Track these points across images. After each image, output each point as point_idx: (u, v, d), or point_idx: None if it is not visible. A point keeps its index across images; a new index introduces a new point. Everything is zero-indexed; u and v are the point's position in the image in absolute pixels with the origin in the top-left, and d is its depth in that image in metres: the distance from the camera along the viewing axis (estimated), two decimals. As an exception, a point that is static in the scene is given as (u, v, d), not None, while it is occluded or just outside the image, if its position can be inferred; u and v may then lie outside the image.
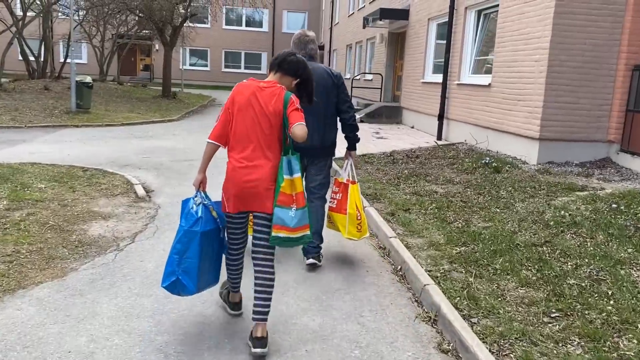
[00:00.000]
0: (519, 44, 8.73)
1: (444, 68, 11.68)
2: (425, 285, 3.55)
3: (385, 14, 15.31)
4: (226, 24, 37.33)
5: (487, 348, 2.82)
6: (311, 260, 4.07)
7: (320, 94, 3.73)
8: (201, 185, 3.10)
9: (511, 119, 8.86)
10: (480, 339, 2.90)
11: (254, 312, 2.89)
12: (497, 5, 9.72)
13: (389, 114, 15.73)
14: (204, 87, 33.26)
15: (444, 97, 11.73)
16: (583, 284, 3.66)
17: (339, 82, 4.12)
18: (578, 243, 4.51)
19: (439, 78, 12.54)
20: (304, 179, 3.55)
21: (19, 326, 2.99)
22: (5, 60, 28.09)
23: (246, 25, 37.77)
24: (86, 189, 5.98)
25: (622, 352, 2.80)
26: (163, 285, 2.95)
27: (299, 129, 2.80)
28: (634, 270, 3.91)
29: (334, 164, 5.48)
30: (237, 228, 3.06)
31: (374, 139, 11.75)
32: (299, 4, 37.43)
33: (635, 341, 2.93)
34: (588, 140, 8.22)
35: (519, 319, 3.17)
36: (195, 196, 3.05)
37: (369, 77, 19.86)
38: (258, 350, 2.80)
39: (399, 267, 4.14)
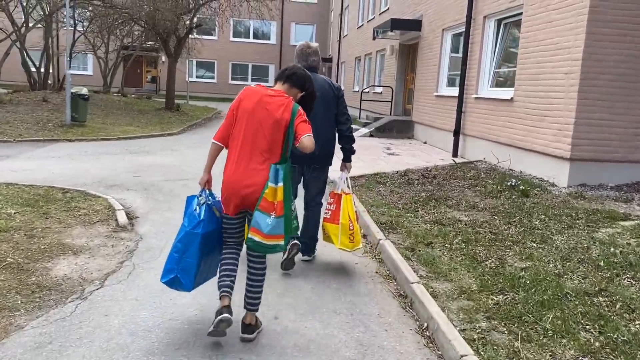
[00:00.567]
0: (545, 55, 7.98)
1: (460, 81, 10.94)
2: (462, 357, 2.77)
3: (396, 24, 14.65)
4: (233, 36, 36.92)
5: None
6: (306, 257, 4.46)
7: (320, 104, 3.76)
8: (207, 184, 3.18)
9: (537, 137, 8.08)
10: None
11: (246, 303, 3.05)
12: (520, 14, 8.99)
13: (400, 129, 14.99)
14: (211, 100, 32.73)
15: (460, 111, 10.98)
16: (663, 355, 2.86)
17: (339, 94, 4.25)
18: (641, 292, 3.71)
19: (454, 91, 11.81)
20: (302, 187, 3.92)
21: None
22: (9, 71, 27.72)
23: (254, 38, 37.34)
24: (62, 215, 5.25)
25: None
26: (162, 280, 3.07)
27: (307, 139, 2.89)
28: None
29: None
30: (234, 229, 3.10)
31: (385, 155, 11.00)
32: (307, 17, 36.98)
33: None
34: (624, 161, 7.42)
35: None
36: (200, 195, 3.11)
37: (379, 90, 19.17)
38: (246, 335, 3.00)
39: (425, 324, 3.36)
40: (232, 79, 37.21)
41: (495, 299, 3.63)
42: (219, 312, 2.88)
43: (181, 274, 2.99)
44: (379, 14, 19.77)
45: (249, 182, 2.92)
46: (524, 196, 6.75)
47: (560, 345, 3.00)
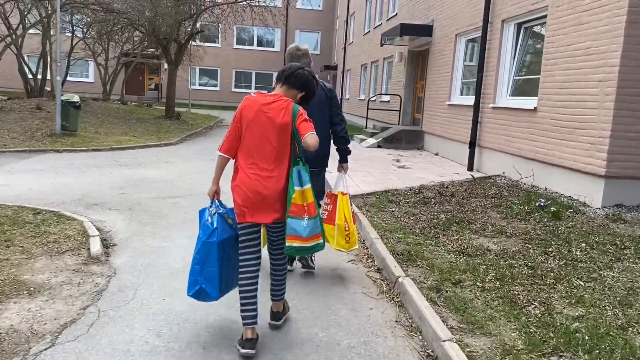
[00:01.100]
0: (575, 61, 7.23)
1: (476, 89, 10.20)
2: None
3: (405, 30, 13.95)
4: (237, 44, 36.40)
5: None
6: (306, 269, 4.38)
7: (315, 106, 3.85)
8: (215, 195, 3.18)
9: (565, 151, 7.32)
10: None
11: (272, 294, 3.19)
12: (545, 17, 8.26)
13: (409, 139, 14.24)
14: (213, 107, 32.14)
15: (476, 122, 10.23)
16: None
17: (332, 96, 4.27)
18: None
19: (468, 100, 11.07)
20: None
21: None
22: (7, 78, 27.19)
23: (257, 45, 36.79)
24: (27, 243, 4.52)
25: None
26: (189, 293, 3.10)
27: (310, 138, 2.89)
28: None
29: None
30: (249, 240, 3.08)
31: (395, 169, 10.24)
32: (312, 24, 36.42)
33: None
34: (667, 179, 6.65)
35: None
36: (210, 206, 3.12)
37: (386, 98, 18.46)
38: (273, 322, 3.19)
39: (466, 403, 2.59)
40: (236, 86, 36.63)
41: (550, 363, 2.86)
42: (243, 346, 2.92)
43: (205, 284, 3.04)
44: (387, 20, 19.10)
45: (261, 189, 2.94)
46: (555, 219, 5.97)
47: None
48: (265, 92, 3.20)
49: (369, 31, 22.74)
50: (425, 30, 13.84)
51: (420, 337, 3.32)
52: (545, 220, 5.91)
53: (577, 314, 3.49)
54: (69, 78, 36.01)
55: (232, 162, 3.09)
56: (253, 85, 36.58)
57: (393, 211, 6.22)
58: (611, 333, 3.17)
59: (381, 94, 18.97)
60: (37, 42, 21.40)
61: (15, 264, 4.04)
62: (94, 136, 12.33)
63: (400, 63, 16.61)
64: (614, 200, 6.59)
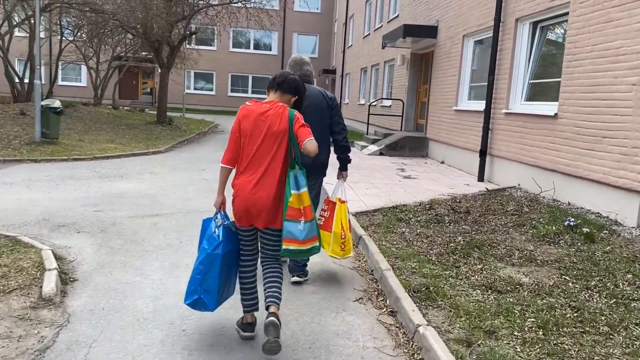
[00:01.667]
0: (603, 62, 6.51)
1: (487, 93, 9.47)
2: None
3: (409, 31, 13.22)
4: (233, 47, 35.66)
5: None
6: (295, 279, 4.18)
7: (314, 115, 3.98)
8: (221, 206, 3.19)
9: (592, 162, 6.58)
10: None
11: (267, 298, 3.02)
12: (566, 14, 7.54)
13: (413, 146, 13.51)
14: (209, 112, 31.37)
15: (487, 128, 9.49)
16: None
17: (333, 104, 4.24)
18: None
19: (478, 105, 10.34)
20: None
21: None
22: (-2, 82, 26.34)
23: (254, 48, 36.06)
24: (-34, 279, 3.74)
25: None
26: (186, 302, 3.09)
27: (309, 144, 2.96)
28: None
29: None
30: (247, 242, 3.19)
31: (401, 179, 9.49)
32: (310, 27, 35.72)
33: None
34: None
35: None
36: (216, 217, 3.14)
37: (387, 103, 17.73)
38: (272, 318, 2.89)
39: None
40: (232, 91, 35.89)
41: None
42: (244, 329, 3.16)
43: (204, 294, 3.06)
44: (387, 22, 18.40)
45: (258, 196, 3.01)
46: (589, 241, 5.22)
47: None
48: (263, 99, 3.26)
49: (368, 34, 22.04)
50: (430, 32, 13.13)
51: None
52: (578, 243, 5.16)
53: (650, 380, 2.73)
54: (61, 82, 35.63)
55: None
56: (250, 89, 35.85)
57: (403, 232, 5.45)
58: None
59: (383, 98, 18.23)
60: (26, 44, 20.65)
61: (-56, 310, 3.26)
62: (77, 144, 11.54)
63: (402, 66, 15.89)
64: (651, 218, 5.86)
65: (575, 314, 3.53)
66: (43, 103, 10.75)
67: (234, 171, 3.15)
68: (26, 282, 3.73)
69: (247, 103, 3.17)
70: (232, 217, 3.15)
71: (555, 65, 8.13)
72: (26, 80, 19.68)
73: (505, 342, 3.13)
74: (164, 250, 4.74)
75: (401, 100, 15.63)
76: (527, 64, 8.72)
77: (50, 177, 8.07)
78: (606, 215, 6.29)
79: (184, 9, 18.53)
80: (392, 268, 4.30)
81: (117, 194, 7.06)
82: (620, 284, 4.09)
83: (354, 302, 3.83)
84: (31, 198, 6.58)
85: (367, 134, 16.58)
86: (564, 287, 4.03)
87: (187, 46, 27.20)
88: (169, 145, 13.19)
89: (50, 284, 3.67)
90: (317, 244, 3.11)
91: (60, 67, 29.81)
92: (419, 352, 3.13)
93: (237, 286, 3.27)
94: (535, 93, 8.61)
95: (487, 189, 8.07)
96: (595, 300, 3.78)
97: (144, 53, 27.14)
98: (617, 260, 4.64)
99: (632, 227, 5.78)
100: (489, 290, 3.94)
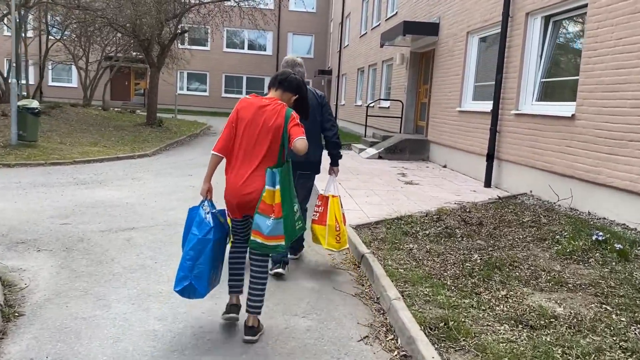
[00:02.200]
0: (629, 58, 5.89)
1: (494, 93, 8.85)
2: None
3: (409, 28, 12.60)
4: (227, 47, 34.96)
5: None
6: (278, 271, 4.18)
7: None
8: (208, 193, 3.19)
9: (615, 168, 5.96)
10: None
11: (248, 305, 3.13)
12: (582, 7, 6.93)
13: (414, 149, 12.87)
14: (202, 114, 30.67)
15: (494, 130, 8.87)
16: None
17: (323, 102, 4.40)
18: None
19: (483, 106, 9.73)
20: None
21: None
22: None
23: (249, 49, 35.37)
24: None
25: None
26: (176, 289, 3.06)
27: (299, 142, 3.01)
28: None
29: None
30: (242, 230, 3.27)
31: (402, 185, 8.85)
32: (305, 27, 35.08)
33: None
34: None
35: None
36: (203, 205, 3.14)
37: (386, 104, 17.10)
38: (248, 337, 3.06)
39: None
40: (226, 91, 35.17)
41: None
42: (227, 311, 3.26)
43: (195, 280, 3.03)
44: (385, 20, 17.79)
45: (250, 188, 3.06)
46: (622, 259, 4.59)
47: None
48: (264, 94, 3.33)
49: (365, 33, 21.42)
50: (431, 29, 12.51)
51: None
52: (612, 262, 4.52)
53: None
54: (51, 83, 34.84)
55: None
56: (244, 90, 35.15)
57: (411, 249, 4.80)
58: None
59: (381, 99, 17.61)
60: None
61: None
62: (57, 147, 10.83)
63: (401, 65, 15.27)
64: (686, 232, 5.25)
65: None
66: (20, 103, 10.04)
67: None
68: (-41, 319, 3.06)
69: (247, 96, 3.22)
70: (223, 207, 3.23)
71: (571, 63, 7.52)
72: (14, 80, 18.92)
73: (550, 400, 2.49)
74: (135, 274, 4.07)
75: (400, 101, 15.01)
76: (539, 62, 8.10)
77: (20, 184, 7.38)
78: (634, 227, 5.67)
79: (174, 6, 17.86)
80: (402, 296, 3.64)
81: (91, 204, 6.38)
82: (672, 315, 3.45)
83: (358, 343, 3.16)
84: (-6, 208, 5.90)
85: (364, 137, 15.95)
86: (608, 320, 3.39)
87: (180, 46, 26.57)
88: (157, 148, 12.50)
89: (-13, 321, 2.99)
90: (283, 243, 3.09)
91: (49, 67, 29.17)
92: (443, 415, 2.48)
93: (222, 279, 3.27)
94: (548, 93, 8.00)
95: (498, 196, 7.43)
96: (648, 338, 3.14)
97: (135, 53, 26.46)
98: (659, 282, 4.01)
99: (666, 242, 5.16)
100: (520, 325, 3.29)
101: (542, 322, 3.33)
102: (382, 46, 15.36)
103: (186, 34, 30.71)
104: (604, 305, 3.64)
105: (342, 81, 27.30)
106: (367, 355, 3.00)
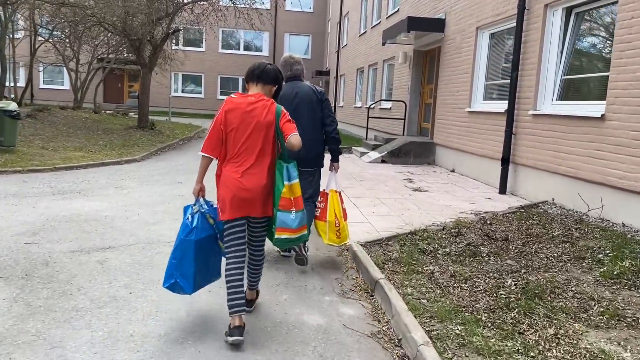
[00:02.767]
0: (671, 50, 5.21)
1: (509, 92, 8.17)
2: None
3: (413, 24, 11.92)
4: (222, 48, 34.25)
5: None
6: (285, 254, 4.60)
7: (306, 109, 4.35)
8: (200, 192, 3.20)
9: (658, 174, 5.28)
10: None
11: (249, 282, 3.34)
12: (612, -5, 6.26)
13: (419, 152, 12.19)
14: (196, 116, 29.96)
15: (509, 132, 8.20)
16: None
17: (323, 98, 4.47)
18: None
19: (496, 106, 9.06)
20: None
21: None
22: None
23: (244, 49, 34.67)
24: None
25: None
26: (165, 285, 3.16)
27: (294, 138, 3.06)
28: None
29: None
30: (236, 235, 3.12)
31: (410, 192, 8.16)
32: (302, 27, 34.41)
33: None
34: None
35: None
36: (194, 204, 3.16)
37: (387, 105, 16.42)
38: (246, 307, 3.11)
39: None
40: (221, 93, 34.41)
41: None
42: (231, 334, 2.95)
43: (180, 278, 3.09)
44: (386, 18, 17.12)
45: (248, 186, 3.05)
46: (680, 283, 3.91)
47: None
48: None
49: (365, 32, 20.75)
50: (436, 25, 11.84)
51: None
52: (668, 287, 3.84)
53: None
54: (42, 85, 34.05)
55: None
56: (240, 91, 34.37)
57: (432, 272, 4.10)
58: None
59: (383, 100, 16.92)
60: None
61: None
62: (39, 152, 10.09)
63: (404, 64, 14.60)
64: None
65: None
66: (-3, 105, 9.31)
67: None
68: None
69: (232, 95, 3.18)
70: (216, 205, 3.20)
71: (598, 58, 6.86)
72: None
73: None
74: (104, 309, 3.36)
75: (403, 101, 14.32)
76: (559, 58, 7.42)
77: (-9, 194, 6.66)
78: (679, 241, 4.99)
79: (167, 4, 17.15)
80: (431, 338, 2.95)
81: (65, 217, 5.65)
82: None
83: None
84: (-48, 224, 5.17)
85: (366, 139, 15.25)
86: (690, 370, 2.70)
87: (174, 47, 25.87)
88: (147, 152, 11.78)
89: None
90: (306, 231, 3.28)
91: (39, 69, 28.41)
92: None
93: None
94: (570, 91, 7.32)
95: (521, 206, 6.73)
96: None
97: (128, 54, 25.75)
98: None
99: None
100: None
101: (612, 376, 2.64)
102: (384, 44, 14.68)
103: (180, 35, 30.08)
104: (679, 349, 2.95)
105: (340, 82, 26.63)
106: None
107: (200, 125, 22.40)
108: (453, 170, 10.91)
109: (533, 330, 3.16)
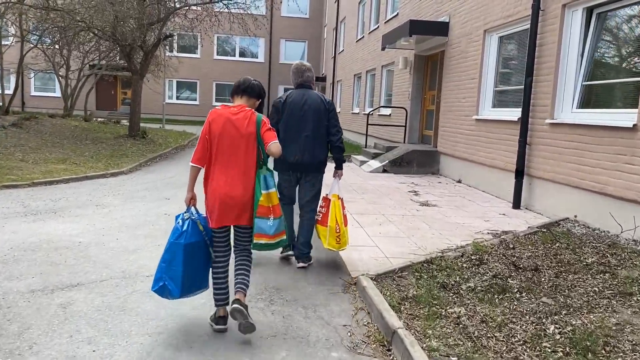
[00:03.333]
0: None
1: (524, 99, 7.58)
2: None
3: (416, 28, 11.34)
4: (218, 54, 33.65)
5: None
6: (301, 264, 4.69)
7: (313, 117, 4.54)
8: (191, 201, 3.34)
9: None
10: None
11: (237, 284, 3.28)
12: (642, -8, 5.67)
13: (422, 161, 11.58)
14: (192, 123, 29.31)
15: (524, 143, 7.59)
16: None
17: (330, 108, 4.64)
18: None
19: (507, 114, 8.47)
20: (297, 193, 4.72)
21: None
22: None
23: (240, 56, 34.08)
24: None
25: None
26: (153, 289, 3.26)
27: (274, 146, 3.26)
28: None
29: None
30: (221, 241, 3.37)
31: (417, 207, 7.54)
32: (298, 33, 33.86)
33: None
34: None
35: None
36: (186, 212, 3.29)
37: (386, 112, 15.82)
38: (235, 305, 3.13)
39: None
40: (217, 100, 33.77)
41: None
42: (216, 323, 3.31)
43: (168, 281, 3.18)
44: (385, 22, 16.56)
45: (231, 194, 3.22)
46: None
47: None
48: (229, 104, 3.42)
49: (362, 37, 20.19)
50: (440, 29, 11.26)
51: None
52: None
53: None
54: (34, 92, 33.34)
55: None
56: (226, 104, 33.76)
57: (458, 316, 3.46)
58: None
59: (383, 106, 16.32)
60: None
61: None
62: (17, 165, 9.41)
63: (405, 70, 14.01)
64: None
65: None
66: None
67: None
68: None
69: (217, 107, 3.35)
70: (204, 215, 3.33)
71: (624, 62, 6.26)
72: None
73: None
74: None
75: (404, 108, 13.73)
76: (579, 62, 6.83)
77: (-47, 217, 5.98)
78: None
79: (159, 9, 16.53)
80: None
81: (33, 245, 4.99)
82: None
83: None
84: None
85: (365, 147, 14.63)
86: None
87: (168, 53, 25.24)
88: (136, 163, 11.12)
89: None
90: (285, 237, 3.42)
91: (29, 76, 27.71)
92: None
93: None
94: (593, 98, 6.72)
95: (543, 226, 6.09)
96: None
97: (120, 61, 25.12)
98: None
99: None
100: None
101: None
102: (383, 49, 14.09)
103: (175, 41, 29.45)
104: None
105: (337, 88, 26.05)
106: None
107: (195, 132, 21.78)
108: (459, 181, 10.29)
109: (594, 401, 2.52)
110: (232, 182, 3.21)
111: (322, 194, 4.76)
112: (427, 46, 12.41)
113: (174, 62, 24.72)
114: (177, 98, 33.90)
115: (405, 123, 13.61)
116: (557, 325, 3.33)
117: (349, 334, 3.36)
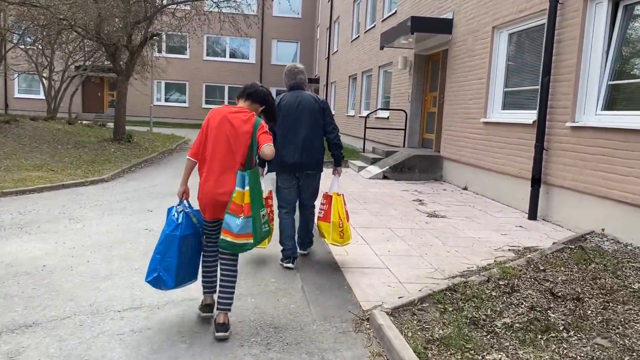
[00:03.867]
0: None
1: (540, 100, 6.96)
2: None
3: (418, 25, 10.70)
4: (207, 55, 32.89)
5: None
6: (288, 265, 4.66)
7: (309, 117, 4.62)
8: (184, 195, 3.43)
9: None
10: None
11: (218, 303, 3.31)
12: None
13: (424, 167, 10.94)
14: (181, 126, 28.54)
15: (541, 148, 6.97)
16: None
17: (325, 107, 4.75)
18: None
19: (520, 116, 7.86)
20: (297, 191, 4.75)
21: None
22: None
23: (230, 57, 33.34)
24: None
25: None
26: (147, 280, 3.32)
27: (267, 148, 3.25)
28: None
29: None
30: (212, 232, 3.45)
31: (426, 218, 6.88)
32: (290, 33, 33.19)
33: None
34: None
35: None
36: (179, 205, 3.37)
37: (384, 114, 15.18)
38: (220, 334, 3.18)
39: None
40: (207, 102, 33.02)
41: None
42: (203, 310, 3.49)
43: (163, 272, 3.25)
44: (382, 21, 15.93)
45: (221, 190, 3.25)
46: None
47: None
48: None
49: (358, 36, 19.56)
50: (443, 26, 10.64)
51: None
52: None
53: None
54: (17, 94, 32.36)
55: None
56: (226, 100, 33.07)
57: (500, 366, 2.80)
58: None
59: (381, 109, 15.68)
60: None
61: None
62: (-13, 172, 8.66)
63: (404, 70, 13.38)
64: None
65: None
66: None
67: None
68: None
69: (219, 106, 3.43)
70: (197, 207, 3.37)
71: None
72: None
73: None
74: None
75: (403, 110, 13.09)
76: (604, 59, 6.22)
77: None
78: None
79: (145, 7, 15.79)
80: None
81: (-13, 269, 4.26)
82: None
83: None
84: None
85: (363, 152, 13.97)
86: None
87: (157, 54, 24.50)
88: (119, 169, 10.37)
89: None
90: (251, 241, 3.25)
91: (11, 77, 26.80)
92: None
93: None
94: (620, 99, 6.11)
95: (569, 241, 5.45)
96: None
97: (107, 62, 24.31)
98: None
99: None
100: None
101: None
102: (382, 48, 13.44)
103: (163, 41, 28.69)
104: None
105: (331, 90, 25.40)
106: None
107: (184, 136, 21.01)
108: (465, 188, 9.66)
109: None
110: (222, 178, 3.24)
111: (323, 192, 4.82)
112: (428, 45, 11.79)
113: (161, 62, 23.93)
114: (166, 100, 33.10)
115: (405, 126, 12.98)
116: (626, 380, 2.68)
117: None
